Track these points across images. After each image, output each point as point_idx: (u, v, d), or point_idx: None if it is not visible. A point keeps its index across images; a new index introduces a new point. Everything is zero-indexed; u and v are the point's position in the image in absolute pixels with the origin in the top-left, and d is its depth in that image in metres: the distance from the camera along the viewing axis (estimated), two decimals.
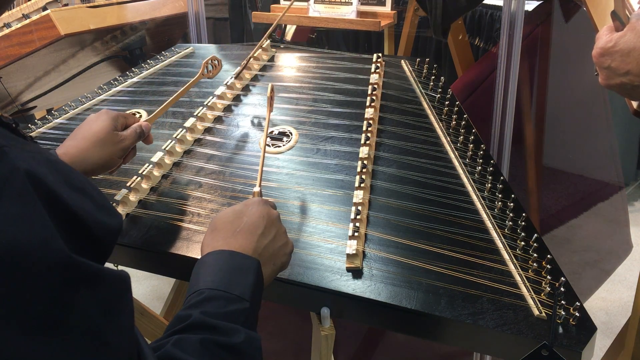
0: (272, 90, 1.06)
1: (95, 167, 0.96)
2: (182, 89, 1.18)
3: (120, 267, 0.91)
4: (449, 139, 1.15)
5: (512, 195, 1.01)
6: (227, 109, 1.32)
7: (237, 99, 1.35)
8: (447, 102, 1.24)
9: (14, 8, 1.96)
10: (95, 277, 0.49)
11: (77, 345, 0.47)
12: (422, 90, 1.30)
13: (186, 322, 0.65)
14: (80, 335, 0.48)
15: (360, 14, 1.86)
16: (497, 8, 2.23)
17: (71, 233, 0.48)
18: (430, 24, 1.37)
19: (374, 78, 1.32)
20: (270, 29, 1.48)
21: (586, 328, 0.81)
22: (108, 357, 0.50)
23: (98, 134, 0.95)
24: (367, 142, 1.12)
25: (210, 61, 1.26)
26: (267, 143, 1.19)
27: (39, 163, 0.49)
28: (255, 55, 1.47)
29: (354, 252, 0.91)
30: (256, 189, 0.93)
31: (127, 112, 1.35)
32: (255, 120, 1.27)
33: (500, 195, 1.03)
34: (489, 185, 1.04)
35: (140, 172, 1.12)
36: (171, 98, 1.15)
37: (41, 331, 0.45)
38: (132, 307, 0.55)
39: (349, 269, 0.90)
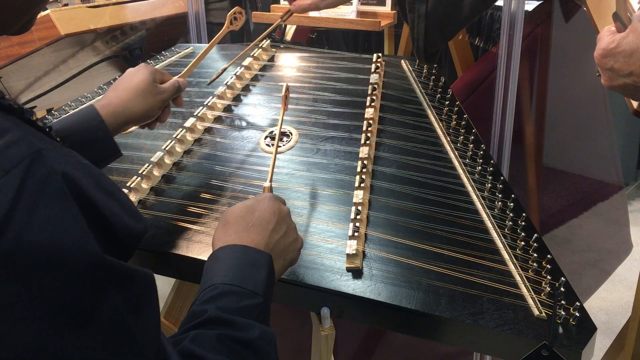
0: (287, 89, 1.05)
1: (137, 117, 1.00)
2: (210, 43, 1.19)
3: None
4: (449, 139, 1.15)
5: (512, 195, 1.01)
6: (227, 109, 1.32)
7: (237, 99, 1.35)
8: (447, 102, 1.24)
9: None
10: (125, 277, 0.51)
11: (106, 342, 0.49)
12: (422, 90, 1.30)
13: (202, 318, 0.66)
14: (110, 332, 0.49)
15: (360, 14, 1.86)
16: (497, 8, 2.22)
17: (101, 234, 0.50)
18: (413, 48, 1.31)
19: (374, 78, 1.32)
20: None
21: (586, 328, 0.81)
22: (136, 353, 0.51)
23: (139, 85, 1.00)
24: (367, 142, 1.12)
25: (234, 14, 1.26)
26: (267, 143, 1.19)
27: (74, 166, 0.50)
28: (255, 55, 1.47)
29: (354, 252, 0.91)
30: (266, 184, 0.93)
31: None
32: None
33: (500, 195, 1.03)
34: (489, 185, 1.04)
35: (140, 172, 1.12)
36: (200, 54, 1.18)
37: (73, 328, 0.47)
38: (157, 305, 0.56)
39: (349, 269, 0.90)
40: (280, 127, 1.03)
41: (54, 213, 0.47)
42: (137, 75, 1.01)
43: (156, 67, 1.53)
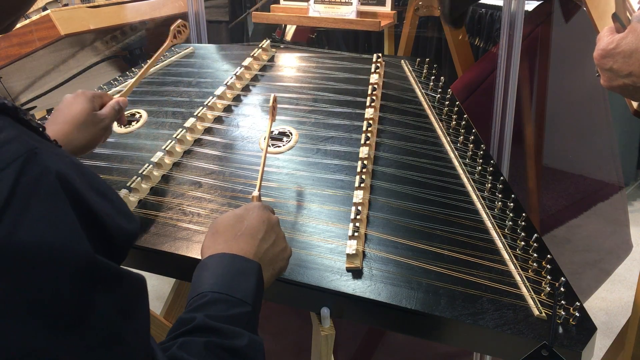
0: (274, 100, 1.06)
1: (80, 148, 0.99)
2: (153, 57, 1.19)
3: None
4: (449, 139, 1.15)
5: (512, 195, 1.01)
6: (227, 109, 1.32)
7: (237, 99, 1.35)
8: (447, 102, 1.24)
9: None
10: (116, 279, 0.51)
11: (95, 343, 0.49)
12: (422, 90, 1.30)
13: (190, 325, 0.66)
14: (99, 334, 0.49)
15: (360, 14, 1.86)
16: (497, 8, 2.22)
17: (93, 235, 0.50)
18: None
19: (374, 78, 1.32)
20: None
21: (586, 328, 0.81)
22: (124, 356, 0.51)
23: (79, 117, 0.97)
24: (367, 142, 1.12)
25: (177, 27, 1.25)
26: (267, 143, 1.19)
27: (67, 166, 0.50)
28: (255, 55, 1.47)
29: (354, 252, 0.91)
30: (255, 193, 0.93)
31: (127, 112, 1.35)
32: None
33: (500, 195, 1.03)
34: (489, 185, 1.04)
35: (140, 172, 1.12)
36: (142, 70, 1.18)
37: (63, 328, 0.47)
38: (148, 308, 0.56)
39: (349, 269, 0.90)
40: (268, 139, 1.03)
41: (47, 212, 0.47)
42: (75, 106, 0.98)
43: (157, 66, 1.53)
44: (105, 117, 1.01)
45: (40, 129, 0.56)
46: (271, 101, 1.05)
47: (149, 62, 1.18)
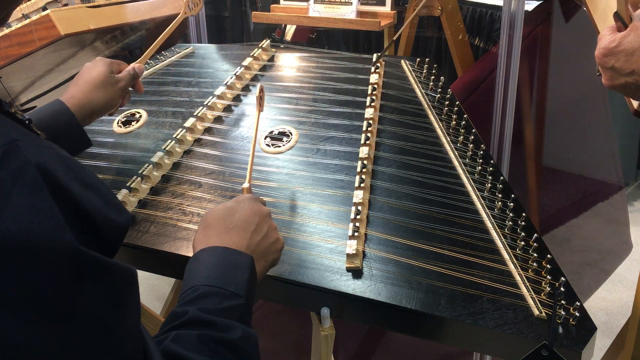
0: (261, 90, 1.06)
1: (100, 107, 1.07)
2: (168, 28, 1.23)
3: None
4: (449, 139, 1.15)
5: (512, 195, 1.01)
6: (227, 109, 1.32)
7: (236, 99, 1.35)
8: (447, 102, 1.24)
9: None
10: (103, 270, 0.50)
11: (82, 335, 0.48)
12: (422, 90, 1.30)
13: (183, 319, 0.66)
14: (86, 326, 0.49)
15: (360, 14, 1.86)
16: (497, 8, 2.22)
17: (80, 227, 0.49)
18: None
19: (373, 78, 1.32)
20: None
21: (586, 328, 0.81)
22: (113, 349, 0.51)
23: (98, 78, 1.07)
24: (367, 142, 1.12)
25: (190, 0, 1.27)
26: (267, 143, 1.19)
27: (50, 158, 0.50)
28: (255, 55, 1.47)
29: (354, 252, 0.91)
30: (245, 185, 0.93)
31: (127, 112, 1.35)
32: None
33: (500, 195, 1.03)
34: (489, 185, 1.04)
35: (140, 172, 1.12)
36: (158, 39, 1.22)
37: (48, 320, 0.46)
38: (138, 301, 0.56)
39: (349, 269, 0.90)
40: (257, 129, 1.03)
41: (28, 203, 0.46)
42: (94, 70, 1.08)
43: (157, 66, 1.53)
44: (121, 79, 1.10)
45: (27, 122, 0.56)
46: (257, 91, 1.05)
47: (165, 31, 1.22)
